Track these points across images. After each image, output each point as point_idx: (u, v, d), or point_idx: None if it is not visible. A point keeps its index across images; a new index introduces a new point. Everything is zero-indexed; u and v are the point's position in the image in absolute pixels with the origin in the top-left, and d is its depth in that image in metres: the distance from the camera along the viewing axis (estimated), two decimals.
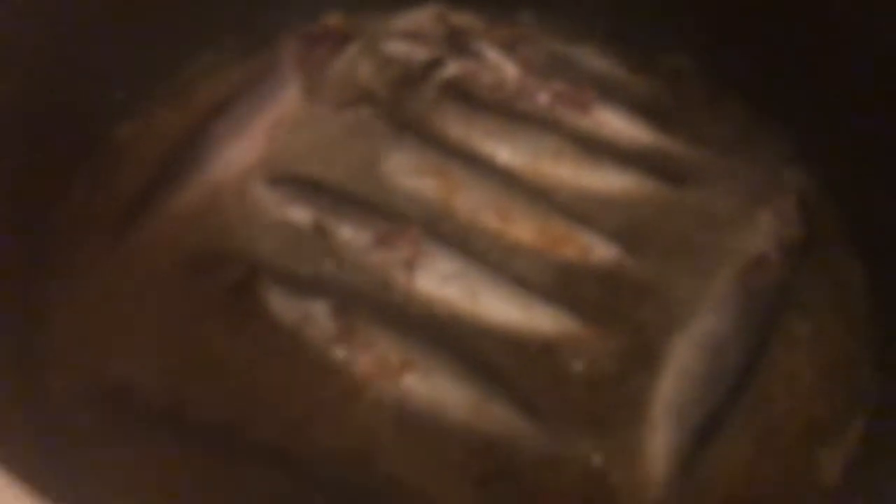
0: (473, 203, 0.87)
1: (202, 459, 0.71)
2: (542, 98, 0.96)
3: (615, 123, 0.95)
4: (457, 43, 1.02)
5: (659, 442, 0.73)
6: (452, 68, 0.99)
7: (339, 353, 0.76)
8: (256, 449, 0.72)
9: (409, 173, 0.89)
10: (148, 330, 0.78)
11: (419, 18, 1.04)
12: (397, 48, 1.01)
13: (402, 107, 0.96)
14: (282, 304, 0.78)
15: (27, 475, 0.51)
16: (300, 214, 0.85)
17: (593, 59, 1.02)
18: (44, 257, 0.82)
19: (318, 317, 0.77)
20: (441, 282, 0.81)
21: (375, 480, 0.71)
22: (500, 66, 0.99)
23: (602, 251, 0.85)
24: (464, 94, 0.97)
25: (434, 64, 0.99)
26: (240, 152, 0.90)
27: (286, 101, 0.94)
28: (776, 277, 0.84)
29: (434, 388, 0.75)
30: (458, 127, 0.94)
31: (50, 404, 0.73)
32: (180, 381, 0.75)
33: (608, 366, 0.78)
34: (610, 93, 0.98)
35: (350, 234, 0.84)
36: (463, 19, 1.05)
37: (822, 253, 0.87)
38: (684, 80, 1.01)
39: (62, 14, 0.83)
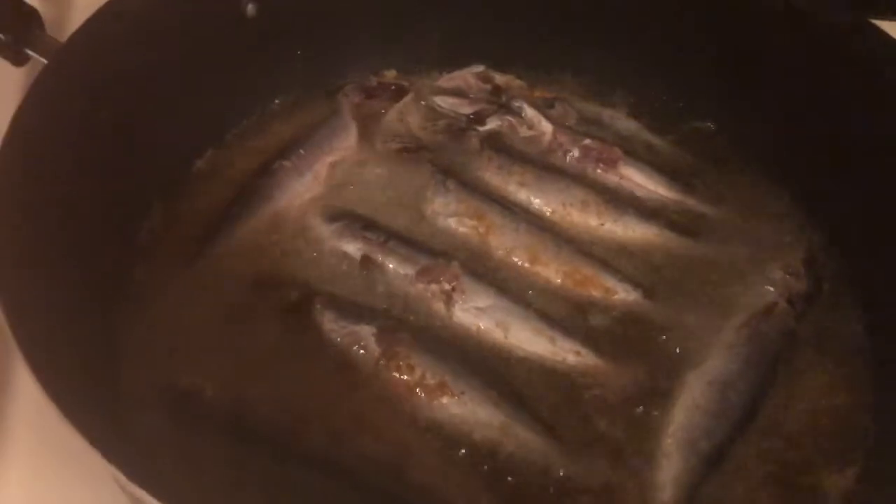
0: (507, 244, 0.90)
1: (257, 461, 0.73)
2: (573, 153, 1.00)
3: (638, 179, 0.98)
4: (499, 100, 1.06)
5: (668, 469, 0.75)
6: (493, 122, 1.03)
7: (382, 372, 0.79)
8: (306, 454, 0.74)
9: (450, 215, 0.92)
10: (214, 342, 0.81)
11: (466, 77, 1.08)
12: (445, 102, 1.05)
13: (446, 155, 0.99)
14: (332, 326, 0.81)
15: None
16: (352, 247, 0.89)
17: (623, 121, 1.06)
18: (127, 273, 0.86)
19: (364, 339, 0.80)
20: (476, 314, 0.84)
21: (408, 490, 0.73)
22: (536, 123, 1.02)
23: (623, 294, 0.87)
24: (503, 147, 1.01)
25: (477, 118, 1.03)
26: (302, 188, 0.94)
27: (345, 144, 0.99)
28: (783, 324, 0.86)
29: (465, 408, 0.77)
30: (497, 175, 0.97)
31: (123, 405, 0.75)
32: (240, 389, 0.77)
33: (624, 398, 0.80)
34: (636, 151, 1.01)
35: (396, 266, 0.87)
36: (505, 79, 1.09)
37: (828, 305, 0.89)
38: (705, 143, 1.04)
39: (157, 60, 0.88)
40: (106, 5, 0.84)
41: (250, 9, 0.94)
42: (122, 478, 0.54)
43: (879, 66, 0.88)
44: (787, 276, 0.89)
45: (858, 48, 0.90)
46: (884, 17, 0.92)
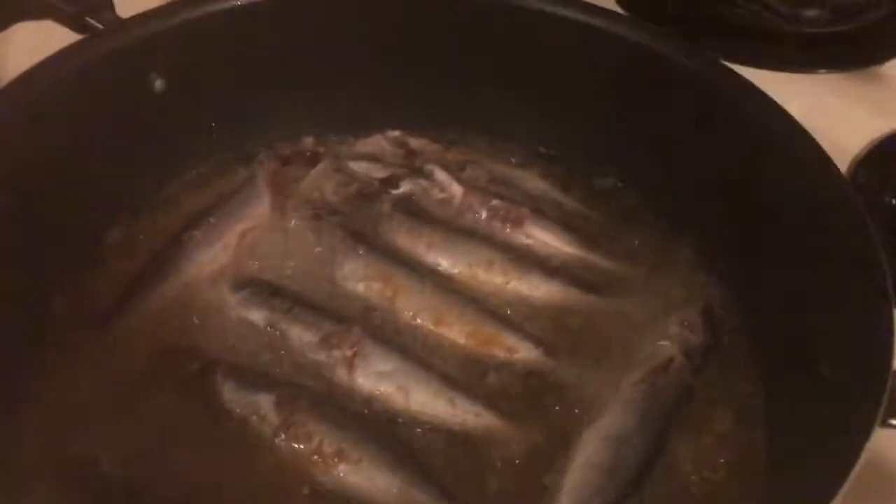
0: (414, 306, 0.90)
1: None
2: (482, 214, 1.01)
3: (544, 237, 0.99)
4: (412, 164, 1.07)
5: None
6: (406, 186, 1.04)
7: (281, 442, 0.78)
8: None
9: (359, 279, 0.92)
10: (113, 414, 0.80)
11: (380, 141, 1.09)
12: (359, 167, 1.06)
13: (358, 220, 1.00)
14: (232, 396, 0.81)
15: None
16: (258, 315, 0.88)
17: (532, 181, 1.07)
18: (33, 344, 0.85)
19: (263, 408, 0.80)
20: (377, 379, 0.84)
21: None
22: (447, 185, 1.03)
23: (525, 352, 0.87)
24: (414, 209, 1.01)
25: (390, 182, 1.04)
26: (210, 258, 0.93)
27: (257, 212, 0.98)
28: (680, 379, 0.85)
29: (362, 475, 0.76)
30: (406, 238, 0.98)
31: (17, 476, 0.74)
32: (137, 460, 0.76)
33: (523, 458, 0.79)
34: (543, 210, 1.03)
35: (299, 334, 0.86)
36: (420, 143, 1.10)
37: (724, 358, 0.89)
38: (613, 199, 1.05)
39: (64, 138, 0.88)
40: (8, 85, 0.85)
41: (158, 84, 0.95)
42: None
43: (759, 120, 0.90)
44: (684, 330, 0.89)
45: (738, 102, 0.92)
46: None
